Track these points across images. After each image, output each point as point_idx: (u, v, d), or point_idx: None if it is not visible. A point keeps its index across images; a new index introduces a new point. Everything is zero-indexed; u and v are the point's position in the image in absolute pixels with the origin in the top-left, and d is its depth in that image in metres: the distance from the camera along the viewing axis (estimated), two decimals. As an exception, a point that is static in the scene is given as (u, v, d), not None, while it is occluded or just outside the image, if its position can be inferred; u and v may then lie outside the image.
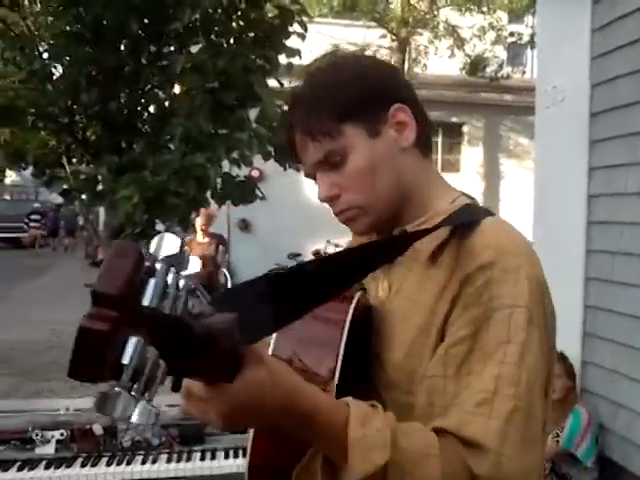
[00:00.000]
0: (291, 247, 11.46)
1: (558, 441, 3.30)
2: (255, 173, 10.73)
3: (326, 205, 0.99)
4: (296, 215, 11.35)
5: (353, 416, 0.76)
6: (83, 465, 2.54)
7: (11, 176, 31.02)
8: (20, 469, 2.49)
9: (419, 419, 0.83)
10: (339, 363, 0.88)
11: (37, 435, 2.58)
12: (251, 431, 0.89)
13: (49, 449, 2.58)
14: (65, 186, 2.72)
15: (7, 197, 28.79)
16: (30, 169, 3.77)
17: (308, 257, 11.87)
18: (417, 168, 0.97)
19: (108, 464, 2.55)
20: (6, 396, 5.70)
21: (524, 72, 14.63)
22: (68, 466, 2.53)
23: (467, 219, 0.92)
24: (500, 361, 0.81)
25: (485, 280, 0.85)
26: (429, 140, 1.00)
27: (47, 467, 2.52)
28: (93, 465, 2.54)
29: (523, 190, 9.86)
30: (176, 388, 0.66)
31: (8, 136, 3.48)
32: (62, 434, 2.62)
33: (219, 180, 2.76)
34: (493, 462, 0.77)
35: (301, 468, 0.83)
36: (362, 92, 0.94)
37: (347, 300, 0.93)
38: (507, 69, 13.25)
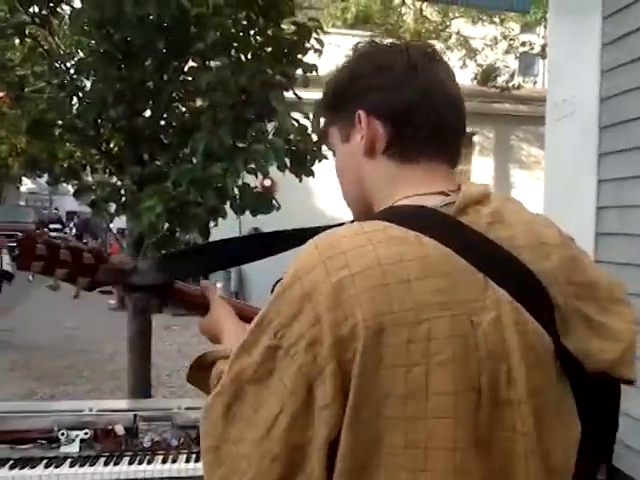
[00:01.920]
0: (303, 255, 11.56)
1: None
2: (267, 182, 10.88)
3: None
4: (307, 224, 11.39)
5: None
6: (106, 464, 2.63)
7: (27, 184, 31.42)
8: (47, 467, 2.58)
9: None
10: None
11: (62, 435, 2.67)
12: None
13: (74, 448, 2.67)
14: (93, 197, 2.84)
15: (22, 203, 29.20)
16: (45, 177, 3.89)
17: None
18: (384, 175, 0.94)
19: (130, 463, 2.64)
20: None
21: (535, 82, 14.67)
22: (92, 464, 2.62)
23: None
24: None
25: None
26: (407, 144, 0.92)
27: (72, 465, 2.61)
28: (116, 464, 2.63)
29: (534, 200, 9.89)
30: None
31: (24, 144, 3.56)
32: (86, 434, 2.71)
33: (237, 191, 2.87)
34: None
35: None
36: (338, 96, 0.96)
37: None
38: (519, 79, 13.30)
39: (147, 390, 3.72)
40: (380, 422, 0.75)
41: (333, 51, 11.84)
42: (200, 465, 2.69)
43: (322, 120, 1.01)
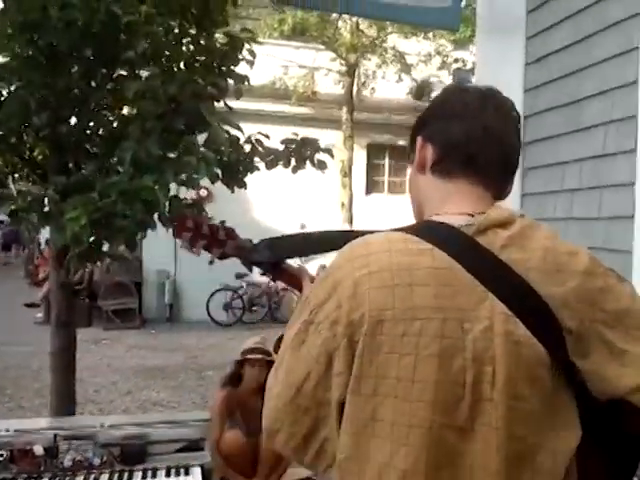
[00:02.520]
0: (239, 267, 11.38)
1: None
2: (203, 193, 10.76)
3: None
4: (244, 235, 11.32)
5: None
6: (23, 486, 2.53)
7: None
8: (-41, 491, 2.47)
9: None
10: None
11: (-23, 457, 2.56)
12: None
13: (-12, 470, 2.56)
14: (13, 207, 2.73)
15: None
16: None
17: (256, 277, 11.90)
18: (431, 190, 1.15)
19: (49, 484, 2.55)
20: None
21: (468, 98, 15.06)
22: (8, 487, 2.51)
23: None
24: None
25: None
26: (449, 164, 1.13)
27: (-14, 488, 2.50)
28: (34, 485, 2.53)
29: (466, 212, 10.12)
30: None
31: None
32: (1, 455, 2.60)
33: (167, 203, 2.82)
34: None
35: None
36: (413, 127, 1.21)
37: None
38: (452, 94, 13.64)
39: (71, 408, 3.59)
40: (376, 397, 0.94)
41: (270, 62, 11.88)
42: (122, 484, 2.63)
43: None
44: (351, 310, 0.96)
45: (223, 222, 1.76)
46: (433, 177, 1.14)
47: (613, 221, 3.10)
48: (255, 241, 1.53)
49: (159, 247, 11.13)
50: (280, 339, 1.15)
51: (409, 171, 1.23)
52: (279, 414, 1.03)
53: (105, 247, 3.05)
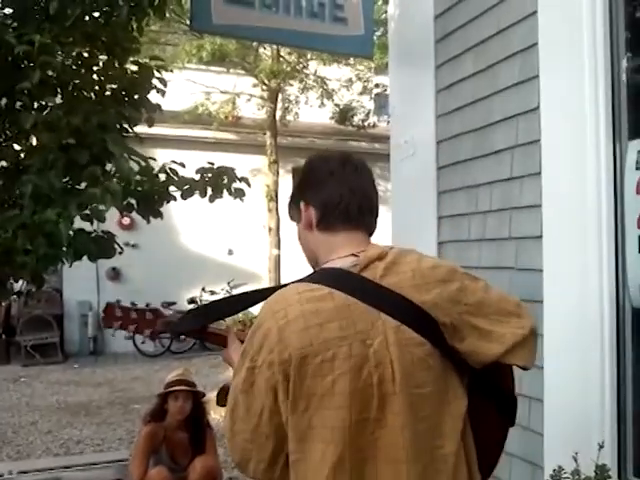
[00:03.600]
0: (166, 295, 11.19)
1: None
2: (126, 221, 10.50)
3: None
4: (170, 263, 11.15)
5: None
6: None
7: None
8: None
9: None
10: None
11: None
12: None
13: None
14: None
15: None
16: None
17: (183, 306, 11.67)
18: (320, 242, 1.47)
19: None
20: None
21: (389, 122, 15.42)
22: None
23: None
24: None
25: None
26: (330, 220, 1.45)
27: None
28: None
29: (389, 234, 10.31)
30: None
31: None
32: None
33: (72, 236, 2.71)
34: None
35: None
36: (294, 189, 1.52)
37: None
38: (374, 118, 13.95)
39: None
40: (308, 411, 1.24)
41: (192, 87, 11.80)
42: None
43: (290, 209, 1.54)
44: (280, 352, 1.25)
45: (148, 304, 1.86)
46: (319, 232, 1.47)
47: (523, 241, 3.21)
48: (185, 314, 1.69)
49: (80, 278, 10.75)
50: (222, 390, 1.50)
51: (297, 229, 1.53)
52: (246, 445, 1.31)
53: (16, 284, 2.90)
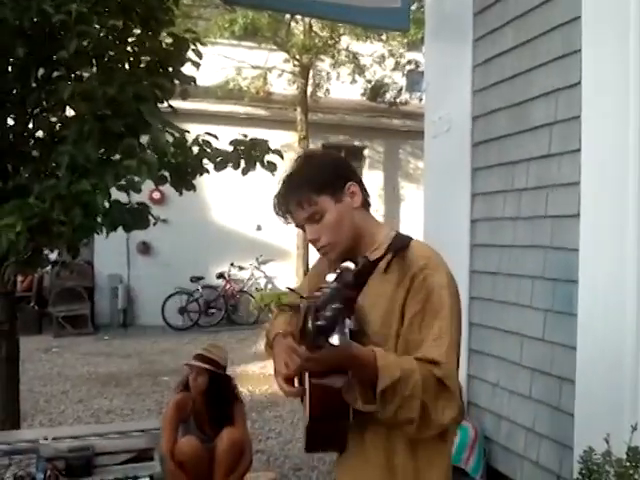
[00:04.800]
0: (194, 270, 11.30)
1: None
2: (156, 195, 10.58)
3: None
4: (199, 238, 11.21)
5: (378, 354, 1.45)
6: (-40, 505, 2.42)
7: None
8: None
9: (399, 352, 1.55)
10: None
11: None
12: (307, 394, 1.54)
13: None
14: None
15: None
16: None
17: (211, 280, 11.78)
18: (363, 217, 1.68)
19: (-11, 502, 2.44)
20: None
21: (421, 99, 15.23)
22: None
23: (400, 244, 1.60)
24: (440, 319, 1.52)
25: (423, 275, 1.54)
26: (368, 200, 1.71)
27: None
28: (-28, 504, 2.43)
29: (421, 212, 10.22)
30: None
31: None
32: (-63, 473, 2.49)
33: (108, 207, 2.73)
34: (444, 368, 1.48)
35: (345, 393, 1.48)
36: (329, 176, 1.64)
37: None
38: (405, 95, 13.77)
39: (15, 421, 3.45)
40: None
41: (223, 62, 11.74)
42: (68, 498, 2.54)
43: (309, 196, 1.61)
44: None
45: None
46: (364, 211, 1.70)
47: (559, 220, 3.15)
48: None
49: (111, 251, 10.89)
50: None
51: (337, 211, 1.64)
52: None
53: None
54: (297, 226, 1.69)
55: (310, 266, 2.02)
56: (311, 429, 1.59)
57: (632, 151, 2.65)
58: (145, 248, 11.50)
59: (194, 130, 3.51)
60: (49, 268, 10.39)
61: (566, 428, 2.94)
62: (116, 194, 2.78)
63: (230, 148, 3.43)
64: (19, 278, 10.76)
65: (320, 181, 1.62)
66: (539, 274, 3.27)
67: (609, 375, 2.74)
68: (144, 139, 2.92)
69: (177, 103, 3.53)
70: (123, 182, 2.69)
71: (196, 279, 11.34)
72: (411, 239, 1.63)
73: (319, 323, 1.25)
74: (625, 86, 2.68)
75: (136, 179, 2.65)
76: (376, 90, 13.34)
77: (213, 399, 3.87)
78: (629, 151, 2.66)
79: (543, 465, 3.16)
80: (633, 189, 2.65)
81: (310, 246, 1.75)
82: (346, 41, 12.54)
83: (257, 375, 7.69)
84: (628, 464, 2.33)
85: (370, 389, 1.45)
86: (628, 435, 2.42)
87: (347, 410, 1.51)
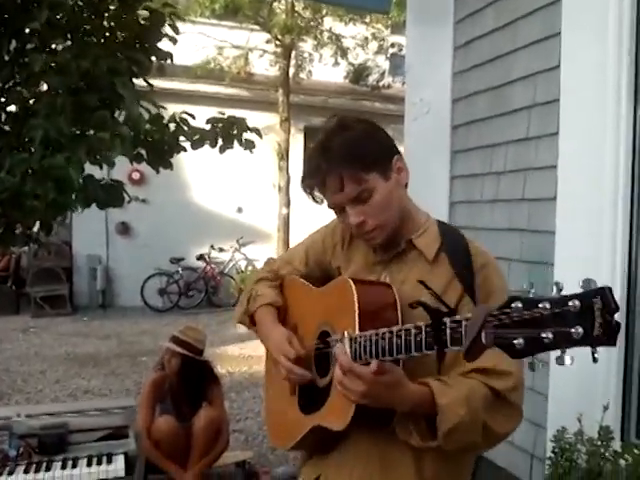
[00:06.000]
0: (174, 251, 11.23)
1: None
2: (136, 176, 10.48)
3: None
4: (179, 219, 11.13)
5: (436, 392, 1.28)
6: None
7: None
8: None
9: (448, 363, 1.27)
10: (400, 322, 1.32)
11: None
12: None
13: None
14: None
15: None
16: None
17: (192, 262, 11.72)
18: (406, 197, 1.51)
19: (-41, 480, 2.43)
20: None
21: (404, 82, 15.20)
22: None
23: (456, 236, 1.49)
24: None
25: (483, 275, 1.41)
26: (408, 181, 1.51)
27: None
28: (-57, 482, 2.41)
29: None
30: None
31: None
32: None
33: (81, 182, 2.69)
34: (515, 376, 1.33)
35: (399, 428, 1.34)
36: (377, 151, 1.42)
37: (388, 286, 1.41)
38: (388, 79, 13.73)
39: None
40: None
41: (204, 41, 11.59)
42: (40, 476, 2.52)
43: (358, 174, 1.38)
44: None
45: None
46: (406, 191, 1.50)
47: (536, 203, 3.16)
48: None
49: (89, 231, 10.79)
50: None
51: (384, 189, 1.42)
52: None
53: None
54: (332, 207, 1.45)
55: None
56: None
57: (609, 135, 2.67)
58: (124, 228, 11.39)
59: (173, 109, 3.46)
60: (26, 248, 10.27)
61: (540, 408, 2.97)
62: (90, 170, 2.73)
63: (208, 126, 3.39)
64: (-4, 258, 10.63)
65: (369, 156, 1.40)
66: (516, 257, 3.29)
67: (582, 356, 2.77)
68: (119, 113, 2.87)
69: (157, 82, 3.48)
70: (97, 157, 2.65)
71: (176, 260, 11.28)
72: (460, 231, 1.51)
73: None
74: (603, 70, 2.69)
75: (109, 153, 2.60)
76: (359, 73, 13.30)
77: (189, 379, 3.87)
78: (606, 135, 2.68)
79: (518, 445, 3.20)
80: (609, 173, 2.67)
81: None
82: (329, 23, 12.44)
83: (236, 356, 7.70)
84: (599, 443, 2.38)
85: (426, 424, 1.31)
86: (600, 415, 2.47)
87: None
